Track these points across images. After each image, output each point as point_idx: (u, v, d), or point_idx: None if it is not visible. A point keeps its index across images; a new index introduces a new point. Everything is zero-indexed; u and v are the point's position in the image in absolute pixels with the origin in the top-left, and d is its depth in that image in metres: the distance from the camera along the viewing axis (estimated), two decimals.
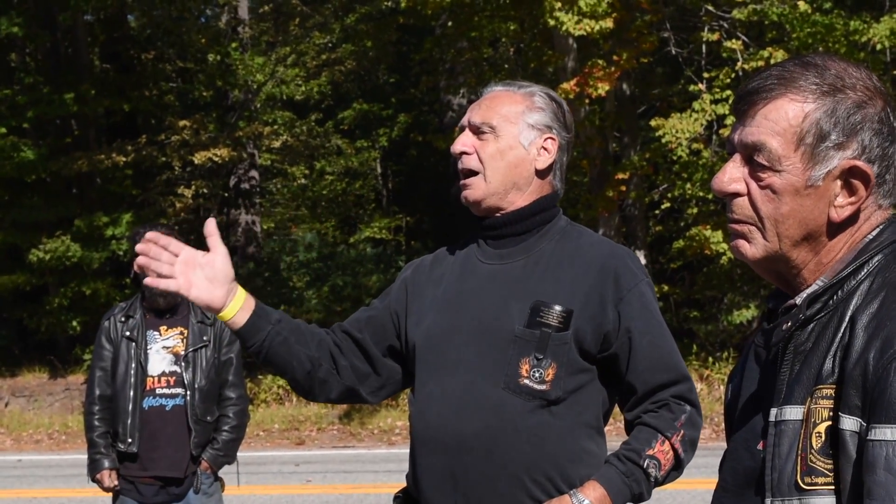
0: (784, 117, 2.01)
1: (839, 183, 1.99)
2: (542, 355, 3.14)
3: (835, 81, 2.00)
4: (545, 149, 3.34)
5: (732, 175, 2.07)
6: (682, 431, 3.17)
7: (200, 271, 3.21)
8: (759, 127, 2.03)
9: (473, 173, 3.31)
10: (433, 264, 3.49)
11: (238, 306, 3.24)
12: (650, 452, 3.14)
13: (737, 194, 2.06)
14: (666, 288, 19.85)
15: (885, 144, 1.99)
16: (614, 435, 11.14)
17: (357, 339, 3.43)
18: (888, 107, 2.01)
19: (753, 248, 2.07)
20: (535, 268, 3.26)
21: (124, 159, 21.46)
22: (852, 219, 2.01)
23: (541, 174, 3.35)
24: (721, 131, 17.56)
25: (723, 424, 2.30)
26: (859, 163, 1.97)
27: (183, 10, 23.73)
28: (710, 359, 18.56)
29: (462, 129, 3.37)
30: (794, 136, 2.00)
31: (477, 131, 3.32)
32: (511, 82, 3.44)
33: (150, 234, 3.19)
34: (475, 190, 3.31)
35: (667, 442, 3.16)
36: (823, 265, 2.04)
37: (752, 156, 2.04)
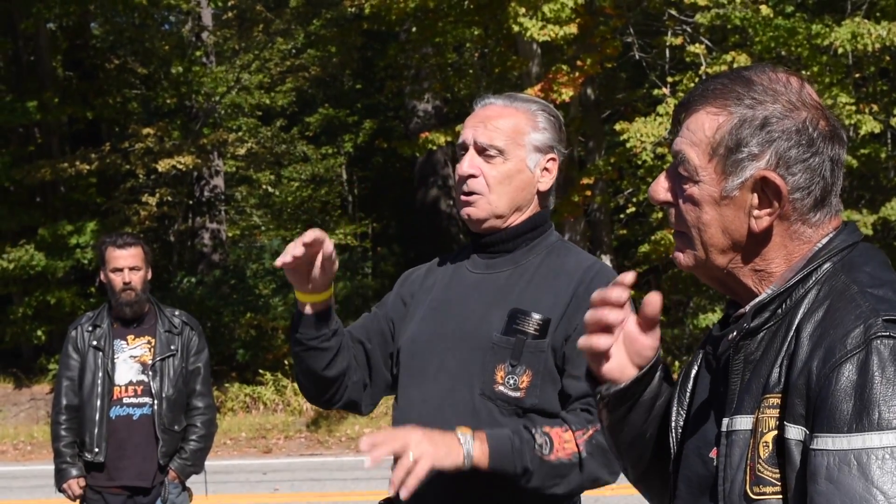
0: (701, 128, 2.04)
1: (755, 194, 2.00)
2: (517, 362, 3.13)
3: (756, 94, 2.01)
4: (547, 170, 3.34)
5: (664, 185, 2.11)
6: (591, 432, 3.05)
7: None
8: (682, 138, 2.07)
9: (478, 193, 3.29)
10: (427, 274, 3.50)
11: (331, 293, 3.26)
12: (546, 430, 3.04)
13: (669, 203, 2.10)
14: (632, 292, 19.89)
15: (804, 156, 1.99)
16: None
17: (367, 351, 3.43)
18: (813, 119, 2.01)
19: (686, 257, 2.10)
20: (519, 279, 3.27)
21: (88, 167, 21.35)
22: (773, 230, 2.02)
23: (541, 195, 3.36)
24: None
25: None
26: (771, 174, 1.98)
27: (146, 18, 23.64)
28: (677, 363, 18.62)
29: (465, 148, 3.33)
30: (708, 147, 2.03)
31: (482, 152, 3.29)
32: (510, 95, 3.42)
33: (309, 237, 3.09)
34: (479, 209, 3.29)
35: (570, 432, 3.06)
36: (760, 273, 2.04)
37: (677, 166, 2.07)
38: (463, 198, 3.32)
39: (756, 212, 2.00)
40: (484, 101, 3.40)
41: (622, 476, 2.66)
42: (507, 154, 3.27)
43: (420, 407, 3.24)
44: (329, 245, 3.08)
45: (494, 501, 3.14)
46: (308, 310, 3.21)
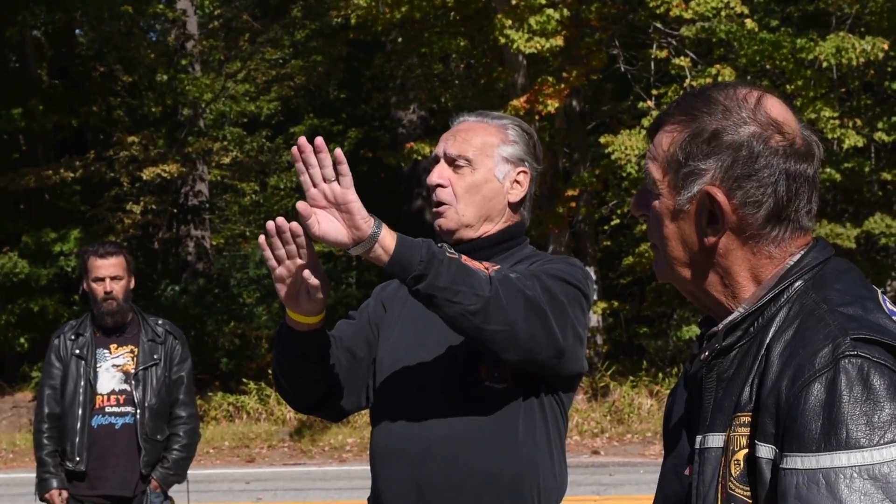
0: (659, 144, 2.09)
1: (705, 208, 2.03)
2: None
3: (712, 111, 2.04)
4: (518, 182, 3.38)
5: (637, 200, 2.17)
6: (499, 267, 3.07)
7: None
8: (648, 153, 2.13)
9: (446, 203, 3.34)
10: (399, 286, 3.49)
11: (322, 317, 3.13)
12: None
13: (643, 216, 2.15)
14: (616, 304, 19.94)
15: (748, 171, 2.00)
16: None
17: (357, 359, 3.38)
18: (764, 134, 2.01)
19: (658, 268, 2.14)
20: None
21: (73, 175, 21.32)
22: (728, 244, 2.03)
23: (513, 207, 3.40)
24: None
25: None
26: (712, 188, 2.00)
27: (132, 26, 23.62)
28: (660, 374, 18.65)
29: (437, 160, 3.39)
30: (664, 162, 2.07)
31: (452, 163, 3.35)
32: (483, 112, 3.48)
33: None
34: (448, 220, 3.35)
35: (485, 262, 3.07)
36: (729, 290, 2.06)
37: (646, 182, 2.12)
38: (435, 210, 3.39)
39: (705, 226, 2.04)
40: (459, 119, 3.47)
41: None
42: (474, 164, 3.33)
43: (405, 412, 3.25)
44: (312, 280, 2.97)
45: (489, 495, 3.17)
46: (297, 328, 3.14)
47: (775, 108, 2.06)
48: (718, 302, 2.08)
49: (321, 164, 2.83)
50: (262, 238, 2.99)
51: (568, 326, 3.10)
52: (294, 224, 2.90)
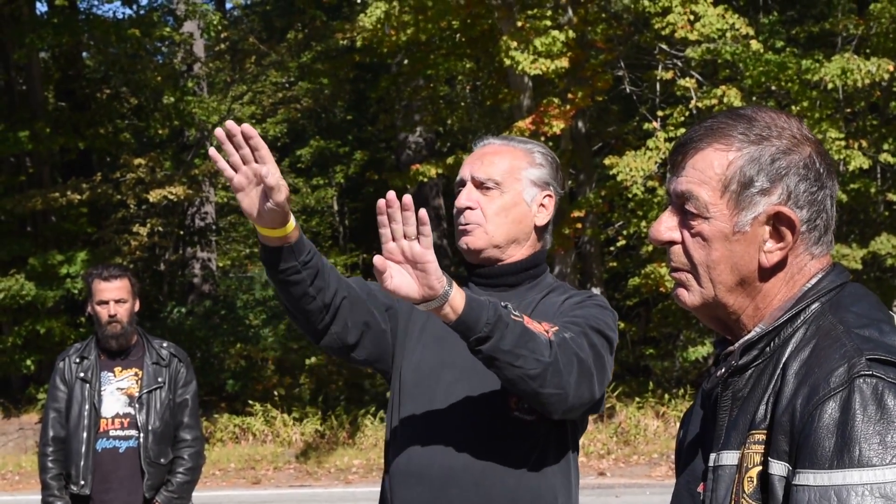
0: (710, 166, 2.06)
1: (767, 228, 2.03)
2: None
3: (761, 131, 2.05)
4: (543, 206, 3.42)
5: (668, 224, 2.13)
6: (558, 328, 3.06)
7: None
8: (687, 176, 2.09)
9: (475, 223, 3.35)
10: None
11: (290, 228, 3.08)
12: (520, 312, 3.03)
13: (672, 242, 2.12)
14: (622, 325, 19.91)
15: (812, 190, 2.03)
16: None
17: (363, 302, 3.34)
18: (816, 154, 2.05)
19: (692, 295, 2.11)
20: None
21: (79, 197, 21.33)
22: (783, 264, 2.05)
23: (539, 230, 3.43)
24: None
25: None
26: (784, 208, 2.01)
27: (138, 49, 23.67)
28: (667, 395, 18.62)
29: (463, 184, 3.40)
30: (719, 184, 2.05)
31: (481, 186, 3.37)
32: (508, 137, 3.51)
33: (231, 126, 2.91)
34: (477, 239, 3.35)
35: (544, 323, 3.08)
36: (761, 311, 2.07)
37: (683, 205, 2.10)
38: (461, 227, 3.38)
39: (768, 245, 2.03)
40: (483, 142, 3.49)
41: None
42: (503, 187, 3.35)
43: (427, 435, 3.24)
44: (270, 177, 2.90)
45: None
46: (270, 243, 3.08)
47: (807, 129, 2.09)
48: (741, 323, 2.09)
49: (405, 221, 2.84)
50: (212, 150, 2.94)
51: (605, 379, 3.17)
52: (245, 126, 2.88)
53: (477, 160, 3.40)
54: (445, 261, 24.88)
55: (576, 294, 3.36)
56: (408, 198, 2.84)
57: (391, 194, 2.84)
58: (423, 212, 2.85)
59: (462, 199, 3.37)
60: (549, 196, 3.42)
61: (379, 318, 3.36)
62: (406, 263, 2.85)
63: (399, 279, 2.84)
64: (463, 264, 3.46)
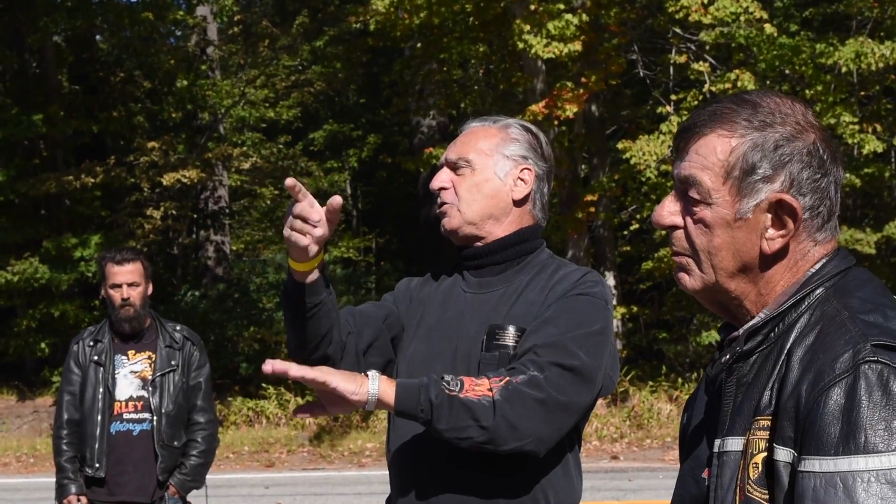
0: (713, 152, 2.06)
1: (769, 216, 2.03)
2: None
3: (765, 117, 2.04)
4: (522, 179, 3.38)
5: (670, 209, 2.13)
6: (507, 380, 3.01)
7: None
8: (690, 162, 2.08)
9: (449, 203, 3.37)
10: (421, 285, 3.54)
11: (321, 258, 3.16)
12: (461, 377, 3.03)
13: (675, 227, 2.12)
14: (635, 309, 19.92)
15: (815, 177, 2.03)
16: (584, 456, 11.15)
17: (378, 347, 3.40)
18: (820, 140, 2.04)
19: (692, 279, 2.12)
20: (510, 298, 3.29)
21: (93, 181, 21.38)
22: (784, 250, 2.05)
23: (518, 204, 3.39)
24: None
25: None
26: (786, 196, 2.01)
27: (152, 32, 23.69)
28: (680, 379, 18.63)
29: (441, 167, 3.43)
30: (722, 170, 2.05)
31: (454, 167, 3.39)
32: (487, 117, 3.50)
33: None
34: (452, 219, 3.36)
35: (484, 378, 3.03)
36: (764, 297, 2.07)
37: (686, 190, 2.10)
38: (437, 211, 3.41)
39: (770, 232, 2.03)
40: (466, 126, 3.51)
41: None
42: (474, 164, 3.36)
43: (418, 427, 3.25)
44: (336, 198, 3.00)
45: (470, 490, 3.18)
46: (305, 278, 3.11)
47: (813, 115, 2.08)
48: (744, 308, 2.09)
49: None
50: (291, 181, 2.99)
51: (597, 381, 3.14)
52: (335, 200, 2.98)
53: (453, 144, 3.44)
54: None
55: (565, 277, 3.28)
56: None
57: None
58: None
59: (435, 182, 3.39)
60: (527, 169, 3.38)
61: (381, 332, 3.40)
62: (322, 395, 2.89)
63: (330, 408, 2.90)
64: (454, 250, 3.46)
